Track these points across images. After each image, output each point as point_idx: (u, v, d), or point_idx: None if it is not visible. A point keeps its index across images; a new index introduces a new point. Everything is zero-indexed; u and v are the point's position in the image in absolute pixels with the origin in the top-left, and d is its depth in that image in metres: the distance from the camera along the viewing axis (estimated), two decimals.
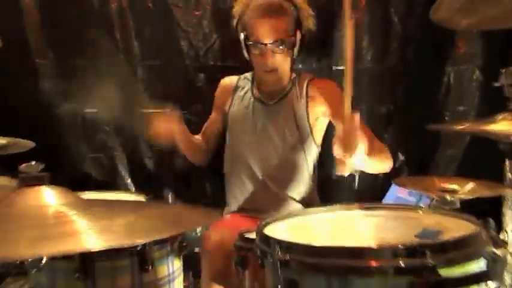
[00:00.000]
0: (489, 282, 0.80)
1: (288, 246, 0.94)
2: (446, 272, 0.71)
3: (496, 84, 1.39)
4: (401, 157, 2.74)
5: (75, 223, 0.81)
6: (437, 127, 1.93)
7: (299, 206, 1.97)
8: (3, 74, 2.14)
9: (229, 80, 2.13)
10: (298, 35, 1.87)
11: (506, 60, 1.86)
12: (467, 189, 1.49)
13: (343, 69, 2.53)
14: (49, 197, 0.84)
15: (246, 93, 2.06)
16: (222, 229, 1.76)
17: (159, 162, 2.53)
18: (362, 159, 1.36)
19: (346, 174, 1.36)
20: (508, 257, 1.04)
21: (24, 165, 0.82)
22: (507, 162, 1.37)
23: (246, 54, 1.91)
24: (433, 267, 0.72)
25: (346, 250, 0.85)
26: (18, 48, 2.24)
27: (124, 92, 2.13)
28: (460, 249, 0.82)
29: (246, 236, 1.28)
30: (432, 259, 0.71)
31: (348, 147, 1.27)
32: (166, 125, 1.90)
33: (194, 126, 2.19)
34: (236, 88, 2.09)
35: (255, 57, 1.90)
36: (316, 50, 2.58)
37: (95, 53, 2.29)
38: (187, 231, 1.78)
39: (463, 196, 1.44)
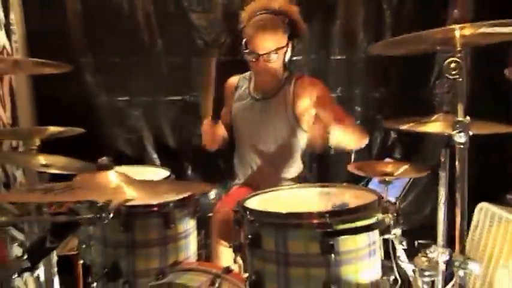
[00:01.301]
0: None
1: (253, 212, 1.48)
2: (338, 226, 1.25)
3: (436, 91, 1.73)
4: (393, 135, 3.21)
5: (127, 192, 1.36)
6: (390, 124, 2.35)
7: (291, 182, 2.38)
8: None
9: (231, 80, 2.55)
10: (290, 45, 2.26)
11: None
12: (400, 171, 2.00)
13: (340, 59, 3.06)
14: (112, 177, 1.39)
15: (244, 91, 2.48)
16: (228, 199, 2.30)
17: (180, 141, 3.05)
18: (335, 137, 1.91)
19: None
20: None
21: (101, 159, 1.37)
22: (442, 151, 1.78)
23: (245, 57, 2.31)
24: (330, 223, 1.26)
25: (285, 214, 1.39)
26: (64, 49, 2.78)
27: None
28: (352, 214, 1.36)
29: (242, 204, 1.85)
30: (329, 219, 1.27)
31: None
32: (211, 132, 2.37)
33: None
34: (237, 87, 2.52)
35: (250, 62, 2.30)
36: (315, 42, 3.06)
37: (126, 51, 2.86)
38: (202, 200, 2.20)
39: (398, 176, 1.95)
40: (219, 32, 2.96)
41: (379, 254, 1.39)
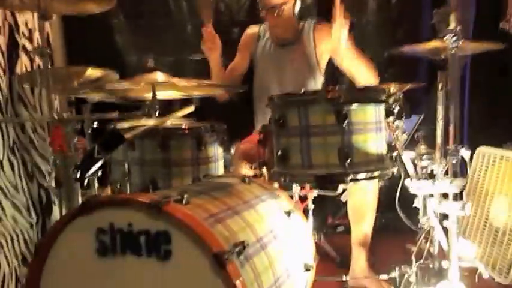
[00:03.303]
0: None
1: (279, 97, 1.87)
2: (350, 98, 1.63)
3: (432, 22, 2.12)
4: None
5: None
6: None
7: None
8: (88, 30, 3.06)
9: (252, 30, 2.97)
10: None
11: None
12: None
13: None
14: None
15: (266, 40, 2.91)
16: (248, 139, 2.72)
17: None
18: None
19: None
20: None
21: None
22: (439, 73, 2.13)
23: (260, 13, 2.75)
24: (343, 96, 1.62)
25: (305, 93, 1.81)
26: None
27: None
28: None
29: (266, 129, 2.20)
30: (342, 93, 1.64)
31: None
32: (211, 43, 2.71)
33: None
34: (259, 37, 2.94)
35: (264, 16, 2.73)
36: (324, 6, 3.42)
37: (153, 14, 3.26)
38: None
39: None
40: None
41: (385, 134, 1.74)
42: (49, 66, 1.76)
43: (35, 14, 2.45)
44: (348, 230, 2.57)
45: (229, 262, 1.20)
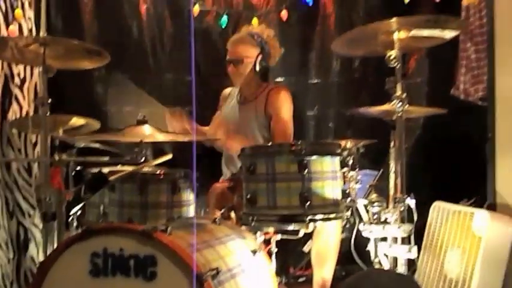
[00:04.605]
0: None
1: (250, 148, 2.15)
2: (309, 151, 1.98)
3: (386, 88, 2.48)
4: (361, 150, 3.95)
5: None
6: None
7: None
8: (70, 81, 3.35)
9: (226, 90, 3.45)
10: (258, 58, 3.10)
11: None
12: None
13: (316, 83, 3.84)
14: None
15: (234, 98, 3.34)
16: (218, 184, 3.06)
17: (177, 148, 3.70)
18: None
19: None
20: None
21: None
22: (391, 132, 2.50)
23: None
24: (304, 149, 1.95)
25: (272, 145, 2.06)
26: None
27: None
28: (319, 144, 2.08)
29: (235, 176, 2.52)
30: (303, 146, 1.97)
31: None
32: (179, 124, 3.06)
33: None
34: (229, 96, 3.40)
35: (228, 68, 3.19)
36: (294, 68, 3.90)
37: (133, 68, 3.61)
38: None
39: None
40: None
41: (340, 182, 2.08)
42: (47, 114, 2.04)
43: (28, 67, 2.78)
44: (309, 280, 2.80)
45: (206, 282, 1.49)
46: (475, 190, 3.05)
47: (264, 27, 3.29)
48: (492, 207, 2.87)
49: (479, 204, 2.94)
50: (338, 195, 2.04)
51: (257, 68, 3.14)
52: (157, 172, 2.43)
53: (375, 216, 2.18)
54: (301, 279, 3.54)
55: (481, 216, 2.67)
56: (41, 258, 2.63)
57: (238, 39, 3.21)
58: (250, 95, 3.25)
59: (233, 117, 3.27)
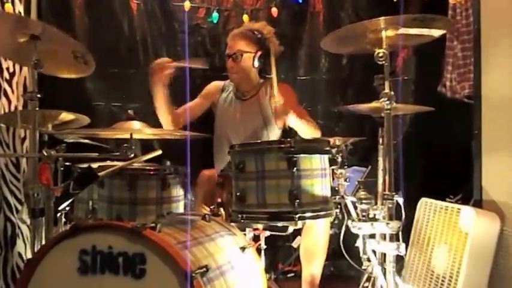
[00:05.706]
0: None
1: (239, 145, 2.14)
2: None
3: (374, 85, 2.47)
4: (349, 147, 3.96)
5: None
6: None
7: None
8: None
9: (217, 83, 3.33)
10: (258, 54, 3.05)
11: None
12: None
13: (304, 79, 3.84)
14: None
15: (229, 94, 3.26)
16: (210, 173, 3.03)
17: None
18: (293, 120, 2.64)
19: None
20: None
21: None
22: (380, 129, 2.52)
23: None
24: (294, 146, 1.93)
25: (262, 143, 2.05)
26: None
27: None
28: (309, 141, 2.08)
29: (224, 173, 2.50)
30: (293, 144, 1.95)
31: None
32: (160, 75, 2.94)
33: None
34: (223, 90, 3.30)
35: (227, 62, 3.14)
36: (284, 64, 3.84)
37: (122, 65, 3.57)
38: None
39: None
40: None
41: (329, 179, 2.06)
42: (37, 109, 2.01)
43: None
44: (298, 276, 2.80)
45: (195, 280, 1.46)
46: (461, 187, 3.07)
47: (265, 24, 3.23)
48: (478, 204, 2.89)
49: (465, 200, 2.96)
50: (327, 193, 2.03)
51: (256, 64, 3.10)
52: (147, 168, 2.40)
53: (363, 214, 2.16)
54: (290, 275, 3.56)
55: (467, 212, 2.69)
56: (29, 254, 2.64)
57: (238, 34, 3.18)
58: (249, 90, 3.20)
59: (233, 112, 3.21)
